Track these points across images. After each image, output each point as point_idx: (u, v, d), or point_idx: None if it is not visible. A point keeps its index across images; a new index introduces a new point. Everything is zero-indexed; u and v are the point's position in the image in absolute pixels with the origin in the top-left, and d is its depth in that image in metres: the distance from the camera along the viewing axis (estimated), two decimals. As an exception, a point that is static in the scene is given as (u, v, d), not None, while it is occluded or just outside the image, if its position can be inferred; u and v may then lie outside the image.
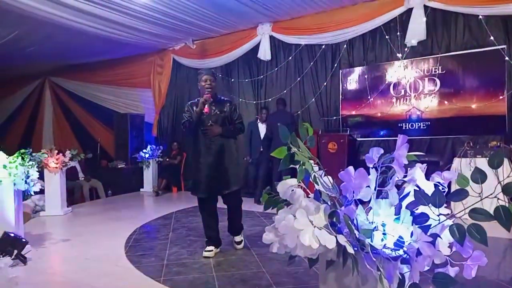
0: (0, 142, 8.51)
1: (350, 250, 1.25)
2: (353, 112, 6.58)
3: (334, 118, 6.76)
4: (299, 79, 7.11)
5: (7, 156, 3.61)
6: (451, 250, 1.32)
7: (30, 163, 3.78)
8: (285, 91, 7.20)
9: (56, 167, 5.56)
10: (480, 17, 5.43)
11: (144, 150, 8.17)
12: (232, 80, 7.98)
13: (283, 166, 1.42)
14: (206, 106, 3.48)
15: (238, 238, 3.80)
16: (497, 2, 5.18)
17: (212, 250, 3.55)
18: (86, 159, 7.82)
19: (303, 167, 1.39)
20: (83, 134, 10.53)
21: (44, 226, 5.05)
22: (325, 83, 6.84)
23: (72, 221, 5.41)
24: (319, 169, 1.50)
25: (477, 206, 1.28)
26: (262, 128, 6.48)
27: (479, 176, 1.28)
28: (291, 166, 1.47)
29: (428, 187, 1.39)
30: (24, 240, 3.44)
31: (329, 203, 1.44)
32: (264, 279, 2.94)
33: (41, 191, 5.33)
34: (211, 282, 2.89)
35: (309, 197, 1.49)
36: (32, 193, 3.90)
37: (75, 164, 7.20)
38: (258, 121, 6.61)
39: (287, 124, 5.73)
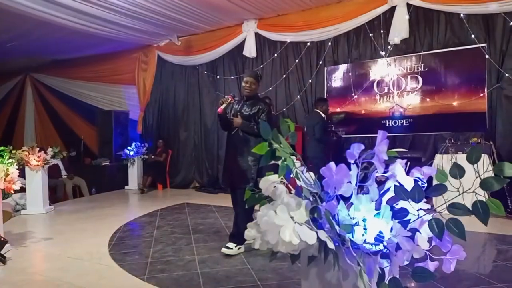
0: (-21, 140, 8.32)
1: (331, 245, 1.26)
2: (338, 109, 6.62)
3: (319, 115, 6.79)
4: (284, 76, 7.13)
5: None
6: (431, 245, 1.34)
7: (10, 161, 3.70)
8: (270, 88, 7.21)
9: (38, 165, 5.45)
10: (462, 15, 5.52)
11: (129, 147, 8.10)
12: (218, 77, 7.95)
13: (264, 162, 1.42)
14: (221, 106, 3.55)
15: (229, 244, 3.48)
16: (478, 1, 5.28)
17: (230, 248, 3.44)
18: (69, 156, 7.69)
19: (285, 163, 1.39)
20: (66, 131, 10.35)
21: (25, 224, 4.95)
22: (310, 81, 6.87)
23: (55, 220, 5.32)
24: (301, 165, 1.50)
25: (457, 201, 1.30)
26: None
27: (458, 171, 1.30)
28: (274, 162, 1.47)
29: (408, 183, 1.40)
30: (3, 239, 3.37)
31: (310, 199, 1.44)
32: (249, 275, 2.94)
33: (23, 189, 5.24)
34: (195, 279, 2.88)
35: (292, 193, 1.50)
36: (12, 192, 3.82)
37: (58, 162, 7.08)
38: (323, 114, 5.90)
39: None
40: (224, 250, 3.46)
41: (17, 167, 3.78)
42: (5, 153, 3.69)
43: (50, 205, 5.89)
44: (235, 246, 3.47)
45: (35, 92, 11.13)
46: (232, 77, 7.73)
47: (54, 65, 10.03)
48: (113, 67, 9.33)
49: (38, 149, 5.54)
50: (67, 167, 7.66)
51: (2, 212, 3.81)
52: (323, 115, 5.79)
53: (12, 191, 3.75)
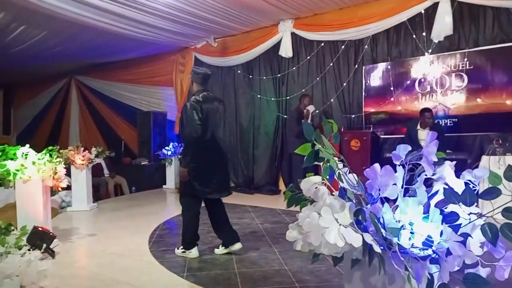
0: (29, 140, 8.80)
1: (377, 249, 1.22)
2: (377, 109, 6.46)
3: (357, 115, 6.66)
4: (321, 75, 7.04)
5: (36, 153, 3.72)
6: (483, 250, 1.28)
7: (58, 159, 3.88)
8: (307, 88, 7.14)
9: (82, 164, 5.69)
10: (511, 10, 5.22)
11: (167, 148, 8.27)
12: (253, 77, 7.96)
13: (307, 163, 1.41)
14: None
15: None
16: (529, -6, 4.99)
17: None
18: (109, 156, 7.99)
19: (328, 164, 1.37)
20: (108, 132, 10.75)
21: (70, 221, 5.18)
22: (347, 80, 6.74)
23: (98, 217, 5.53)
24: (344, 166, 1.47)
25: (509, 205, 1.23)
26: (424, 136, 5.13)
27: (512, 174, 1.22)
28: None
29: (458, 185, 1.34)
30: (52, 234, 3.53)
31: (354, 201, 1.41)
32: (286, 276, 2.93)
33: (68, 187, 5.48)
34: (233, 278, 2.90)
35: (333, 195, 1.47)
36: (60, 189, 4.01)
37: (101, 161, 7.35)
38: (419, 126, 5.47)
39: None
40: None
41: (64, 166, 3.96)
42: (53, 153, 3.87)
43: (93, 202, 6.13)
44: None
45: (79, 94, 11.64)
46: (268, 77, 7.71)
47: (97, 68, 10.45)
48: (152, 69, 9.59)
49: (82, 148, 5.78)
50: (109, 166, 7.95)
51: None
52: (417, 126, 5.51)
53: (60, 189, 3.93)
